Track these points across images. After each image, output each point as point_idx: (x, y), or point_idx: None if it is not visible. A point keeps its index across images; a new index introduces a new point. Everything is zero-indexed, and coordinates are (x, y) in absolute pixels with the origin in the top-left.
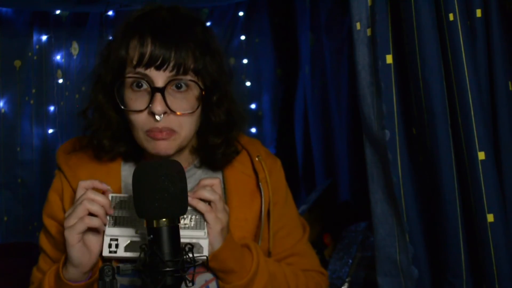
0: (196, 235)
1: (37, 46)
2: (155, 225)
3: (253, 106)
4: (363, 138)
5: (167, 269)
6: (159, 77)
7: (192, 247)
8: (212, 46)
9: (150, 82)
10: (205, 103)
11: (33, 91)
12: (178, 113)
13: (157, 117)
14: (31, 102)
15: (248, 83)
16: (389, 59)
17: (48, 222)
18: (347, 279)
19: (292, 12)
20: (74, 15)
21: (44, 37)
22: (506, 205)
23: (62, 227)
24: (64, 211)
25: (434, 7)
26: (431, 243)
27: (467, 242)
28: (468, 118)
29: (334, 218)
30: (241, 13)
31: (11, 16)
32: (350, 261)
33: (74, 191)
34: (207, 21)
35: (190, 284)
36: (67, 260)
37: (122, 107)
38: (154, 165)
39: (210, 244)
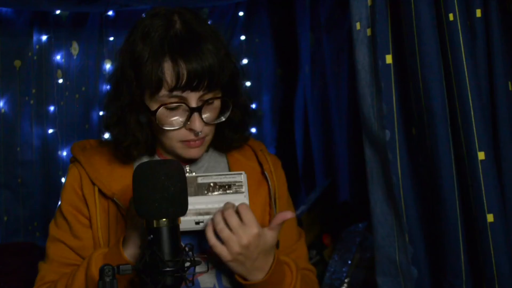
0: (236, 198)
1: (37, 46)
2: (155, 225)
3: (253, 106)
4: (363, 138)
5: (167, 269)
6: (193, 97)
7: (192, 247)
8: (227, 51)
9: (186, 102)
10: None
11: (33, 91)
12: (212, 123)
13: (198, 133)
14: (31, 102)
15: (248, 83)
16: (389, 59)
17: (67, 211)
18: (346, 280)
19: (292, 12)
20: (74, 15)
21: (44, 37)
22: (506, 205)
23: (81, 216)
24: (85, 200)
25: (434, 7)
26: (430, 243)
27: (467, 242)
28: (468, 118)
29: (333, 218)
30: (241, 13)
31: (11, 16)
32: (349, 261)
33: (92, 181)
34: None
35: (190, 284)
36: (127, 239)
37: (163, 127)
38: (154, 165)
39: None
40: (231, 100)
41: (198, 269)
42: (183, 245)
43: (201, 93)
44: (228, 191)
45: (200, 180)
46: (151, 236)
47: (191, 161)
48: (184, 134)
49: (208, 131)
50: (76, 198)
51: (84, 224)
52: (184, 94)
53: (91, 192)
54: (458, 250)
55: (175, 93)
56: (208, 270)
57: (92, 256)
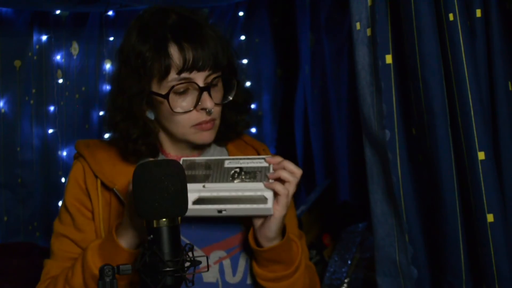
0: (260, 187)
1: (37, 46)
2: (155, 225)
3: (253, 106)
4: (363, 138)
5: (167, 269)
6: (200, 77)
7: (192, 247)
8: (223, 35)
9: (195, 82)
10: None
11: (33, 91)
12: (220, 103)
13: (211, 111)
14: (31, 102)
15: (248, 83)
16: (388, 59)
17: (71, 204)
18: (346, 280)
19: (292, 12)
20: (74, 15)
21: (44, 37)
22: (506, 205)
23: (84, 208)
24: (88, 193)
25: (434, 7)
26: (430, 243)
27: (467, 242)
28: (468, 118)
29: (333, 218)
30: (241, 13)
31: (11, 16)
32: (349, 262)
33: (94, 173)
34: None
35: (190, 284)
36: (122, 226)
37: (176, 111)
38: (154, 165)
39: (268, 226)
40: (235, 79)
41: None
42: (183, 245)
43: (206, 73)
44: (253, 179)
45: (227, 164)
46: (151, 236)
47: (201, 149)
48: (196, 116)
49: (217, 115)
50: (79, 191)
51: (87, 216)
52: (192, 75)
53: (94, 185)
54: (458, 250)
55: (183, 75)
56: (208, 269)
57: (88, 246)
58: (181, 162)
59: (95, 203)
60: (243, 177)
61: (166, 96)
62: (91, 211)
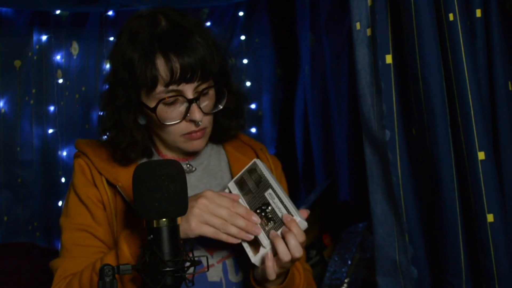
0: (263, 236)
1: (37, 46)
2: (155, 225)
3: (253, 106)
4: (363, 138)
5: (167, 269)
6: (189, 89)
7: (192, 247)
8: (215, 41)
9: (183, 95)
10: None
11: (33, 91)
12: (210, 113)
13: (199, 123)
14: (31, 102)
15: (248, 83)
16: (389, 59)
17: (86, 197)
18: (346, 280)
19: (292, 12)
20: (74, 15)
21: (44, 37)
22: (506, 205)
23: (99, 202)
24: (96, 187)
25: (434, 7)
26: (430, 243)
27: (467, 242)
28: (468, 118)
29: (333, 218)
30: (241, 13)
31: (11, 16)
32: (349, 262)
33: (99, 171)
34: (207, 21)
35: (190, 284)
36: None
37: (164, 123)
38: (154, 165)
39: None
40: (225, 88)
41: (198, 268)
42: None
43: (195, 84)
44: (265, 226)
45: (267, 193)
46: (151, 236)
47: (193, 154)
48: (185, 126)
49: (207, 123)
50: (89, 184)
51: (101, 208)
52: (180, 87)
53: (100, 181)
54: (458, 249)
55: (171, 87)
56: (208, 269)
57: (120, 238)
58: (255, 161)
59: (105, 198)
60: (263, 215)
61: (154, 110)
62: (102, 203)
